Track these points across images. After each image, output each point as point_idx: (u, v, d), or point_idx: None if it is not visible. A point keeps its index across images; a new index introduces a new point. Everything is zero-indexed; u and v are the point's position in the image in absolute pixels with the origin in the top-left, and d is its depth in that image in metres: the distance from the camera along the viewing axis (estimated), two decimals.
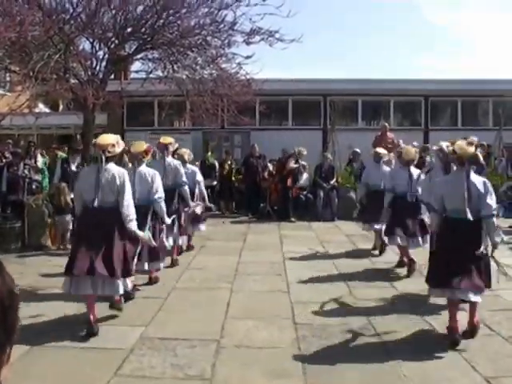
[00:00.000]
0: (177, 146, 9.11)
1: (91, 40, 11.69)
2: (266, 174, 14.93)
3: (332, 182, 14.39)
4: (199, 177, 9.70)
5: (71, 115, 16.42)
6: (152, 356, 4.76)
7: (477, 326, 5.25)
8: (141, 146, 6.99)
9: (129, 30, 11.58)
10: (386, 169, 9.33)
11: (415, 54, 63.72)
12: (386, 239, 8.57)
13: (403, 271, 7.99)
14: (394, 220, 7.96)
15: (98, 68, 11.94)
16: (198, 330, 5.40)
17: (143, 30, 11.41)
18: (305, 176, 14.80)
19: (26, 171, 10.83)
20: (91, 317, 5.38)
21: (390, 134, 15.51)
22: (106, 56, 12.06)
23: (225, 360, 4.72)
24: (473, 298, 5.07)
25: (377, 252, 9.49)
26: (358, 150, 15.01)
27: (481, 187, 5.29)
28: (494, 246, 5.29)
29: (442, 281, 5.22)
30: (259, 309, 6.16)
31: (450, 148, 5.81)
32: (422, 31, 62.79)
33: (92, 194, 5.54)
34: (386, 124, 16.14)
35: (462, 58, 61.05)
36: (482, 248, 5.16)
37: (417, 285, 7.17)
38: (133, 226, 5.70)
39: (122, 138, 6.52)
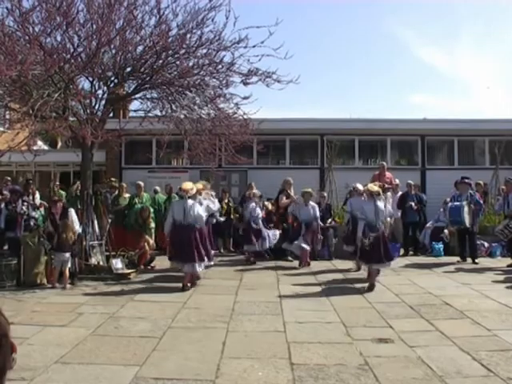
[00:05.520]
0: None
1: (91, 79, 11.83)
2: (263, 212, 14.90)
3: (329, 221, 14.40)
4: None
5: (70, 153, 16.51)
6: None
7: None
8: (199, 185, 11.24)
9: (128, 69, 11.72)
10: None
11: (409, 92, 64.61)
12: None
13: (400, 312, 8.00)
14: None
15: (97, 107, 12.05)
16: (193, 369, 5.33)
17: (142, 69, 11.54)
18: None
19: (24, 208, 10.84)
20: (187, 282, 9.90)
21: (388, 174, 15.61)
22: (105, 95, 12.20)
23: None
24: (381, 268, 10.24)
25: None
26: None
27: (381, 208, 10.18)
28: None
29: (367, 259, 10.17)
30: (255, 348, 6.09)
31: (365, 187, 10.90)
32: (416, 71, 63.85)
33: (182, 217, 9.99)
34: (384, 163, 16.29)
35: (454, 97, 61.92)
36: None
37: (412, 324, 7.19)
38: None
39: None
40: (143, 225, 12.73)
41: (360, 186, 12.43)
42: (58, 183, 15.88)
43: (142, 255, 12.10)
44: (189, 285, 9.92)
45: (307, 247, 12.68)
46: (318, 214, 13.05)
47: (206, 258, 10.30)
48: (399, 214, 14.86)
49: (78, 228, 10.81)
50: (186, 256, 9.95)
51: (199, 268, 10.18)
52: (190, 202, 10.15)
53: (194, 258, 9.91)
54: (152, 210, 13.53)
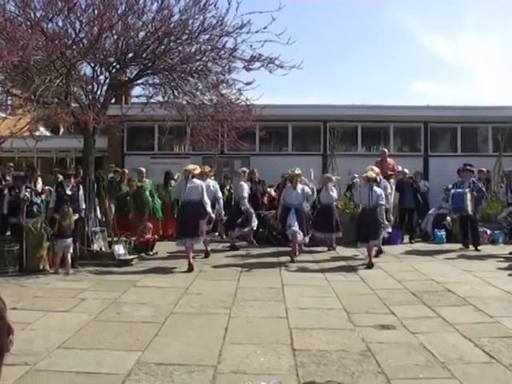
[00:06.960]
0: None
1: (93, 65, 11.78)
2: (265, 199, 14.90)
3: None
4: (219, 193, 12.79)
5: (72, 139, 16.48)
6: (148, 381, 4.69)
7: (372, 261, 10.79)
8: (206, 168, 12.17)
9: (130, 55, 11.69)
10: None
11: (412, 79, 64.29)
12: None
13: (403, 298, 7.99)
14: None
15: (99, 92, 12.01)
16: (195, 355, 5.34)
17: (144, 55, 11.51)
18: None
19: (27, 194, 10.85)
20: (191, 260, 10.36)
21: (389, 160, 15.57)
22: (107, 81, 12.15)
23: None
24: (374, 244, 11.09)
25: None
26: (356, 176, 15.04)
27: (378, 193, 10.90)
28: (384, 218, 11.09)
29: (362, 239, 10.98)
30: (257, 334, 6.09)
31: (364, 175, 11.33)
32: (419, 58, 63.49)
33: (184, 194, 10.64)
34: (386, 150, 16.25)
35: (459, 86, 61.61)
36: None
37: (416, 310, 7.18)
38: (209, 210, 10.82)
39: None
40: (141, 206, 12.99)
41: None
42: (76, 166, 16.00)
43: (141, 239, 12.15)
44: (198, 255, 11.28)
45: (297, 229, 11.50)
46: (305, 197, 12.02)
47: (203, 234, 10.84)
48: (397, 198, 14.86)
49: (83, 206, 10.98)
50: (187, 231, 10.55)
51: (200, 242, 10.93)
52: (193, 180, 10.73)
53: (195, 232, 10.53)
54: (156, 196, 13.75)
